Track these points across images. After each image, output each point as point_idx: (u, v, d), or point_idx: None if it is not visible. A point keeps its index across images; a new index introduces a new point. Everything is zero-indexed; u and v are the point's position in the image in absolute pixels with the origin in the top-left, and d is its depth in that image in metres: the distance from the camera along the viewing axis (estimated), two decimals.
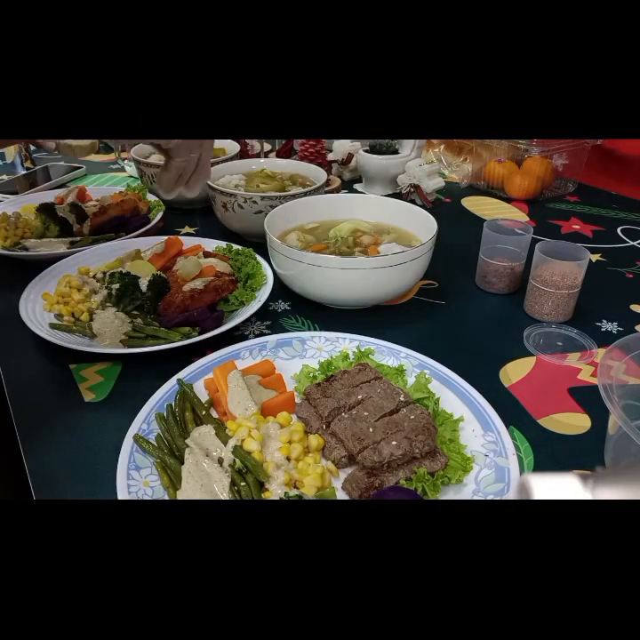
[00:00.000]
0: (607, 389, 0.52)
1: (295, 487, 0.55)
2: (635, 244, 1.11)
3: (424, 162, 1.28)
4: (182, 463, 0.55)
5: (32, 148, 1.57)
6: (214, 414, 0.64)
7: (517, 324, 0.83)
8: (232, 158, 1.23)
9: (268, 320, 0.85)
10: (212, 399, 0.65)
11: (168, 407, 0.63)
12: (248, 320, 0.81)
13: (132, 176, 1.49)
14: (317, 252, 0.83)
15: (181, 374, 0.68)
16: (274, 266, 0.88)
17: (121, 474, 0.54)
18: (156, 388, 0.65)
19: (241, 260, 0.91)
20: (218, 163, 1.17)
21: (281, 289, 0.90)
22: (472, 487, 0.55)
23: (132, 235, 1.05)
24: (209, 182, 1.05)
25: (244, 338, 0.79)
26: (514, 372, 0.73)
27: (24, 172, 1.51)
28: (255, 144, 1.44)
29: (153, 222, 1.10)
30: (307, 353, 0.74)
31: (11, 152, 1.58)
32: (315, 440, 0.59)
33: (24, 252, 1.00)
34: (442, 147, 1.57)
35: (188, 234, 1.14)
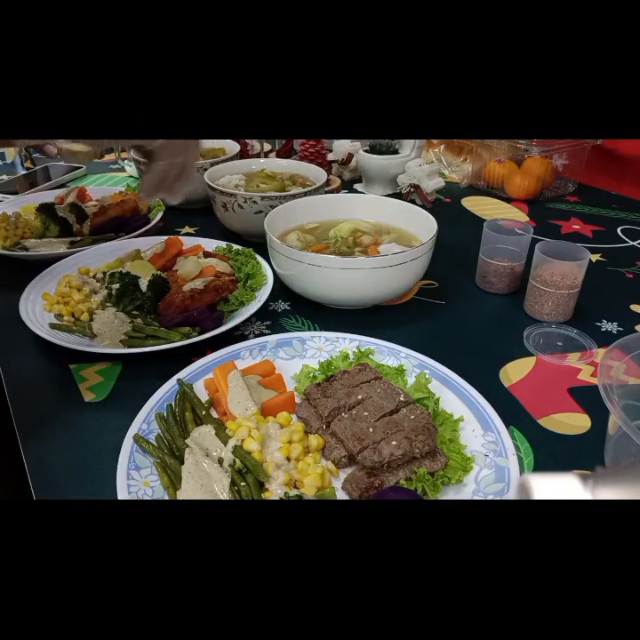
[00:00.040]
0: (607, 389, 0.52)
1: (295, 487, 0.55)
2: (635, 244, 1.11)
3: (424, 162, 1.28)
4: (182, 463, 0.55)
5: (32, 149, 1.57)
6: (214, 414, 0.64)
7: (517, 324, 0.83)
8: (232, 158, 1.22)
9: (268, 320, 0.85)
10: (211, 399, 0.65)
11: (168, 407, 0.63)
12: (248, 320, 0.81)
13: (132, 176, 1.49)
14: (317, 252, 0.83)
15: (181, 374, 0.68)
16: (274, 266, 0.88)
17: (121, 474, 0.54)
18: (156, 388, 0.65)
19: (241, 260, 0.91)
20: (218, 163, 1.17)
21: (281, 289, 0.90)
22: (472, 487, 0.55)
23: (131, 235, 1.05)
24: (209, 182, 1.05)
25: (244, 338, 0.79)
26: (514, 372, 0.73)
27: (24, 172, 1.51)
28: (255, 144, 1.44)
29: (153, 222, 1.10)
30: (307, 353, 0.74)
31: (11, 152, 1.57)
32: (315, 440, 0.59)
33: (24, 252, 1.00)
34: (442, 147, 1.57)
35: (187, 234, 1.14)
